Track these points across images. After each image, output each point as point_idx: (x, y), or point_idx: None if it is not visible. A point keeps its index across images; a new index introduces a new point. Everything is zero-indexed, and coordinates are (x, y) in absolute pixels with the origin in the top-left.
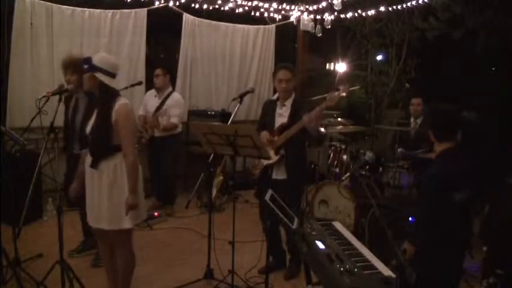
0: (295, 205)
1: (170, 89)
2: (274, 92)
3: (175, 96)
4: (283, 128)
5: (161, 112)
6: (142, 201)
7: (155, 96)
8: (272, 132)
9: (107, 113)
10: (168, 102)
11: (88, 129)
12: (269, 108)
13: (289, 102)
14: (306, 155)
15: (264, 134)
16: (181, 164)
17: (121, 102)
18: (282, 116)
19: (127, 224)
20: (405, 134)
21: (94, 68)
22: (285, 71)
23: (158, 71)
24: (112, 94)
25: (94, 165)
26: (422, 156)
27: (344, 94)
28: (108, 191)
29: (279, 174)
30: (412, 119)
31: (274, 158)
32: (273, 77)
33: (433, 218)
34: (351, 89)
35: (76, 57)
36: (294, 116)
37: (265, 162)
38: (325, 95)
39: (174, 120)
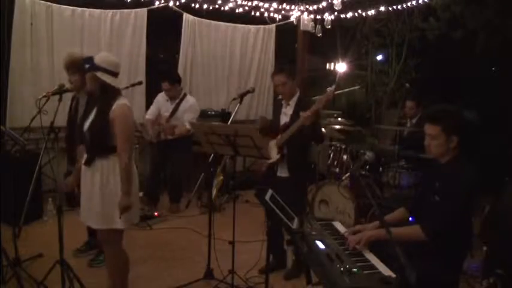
0: (298, 203)
1: (182, 92)
2: (275, 91)
3: (190, 100)
4: (286, 127)
5: (177, 120)
6: (137, 203)
7: (167, 100)
8: (278, 131)
9: (105, 111)
10: (182, 107)
11: (86, 126)
12: (277, 106)
13: (293, 102)
14: (308, 154)
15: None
16: (190, 164)
17: (120, 102)
18: (286, 115)
19: (119, 224)
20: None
21: (95, 68)
22: (277, 76)
23: (165, 85)
24: (113, 93)
25: (88, 162)
26: (423, 157)
27: (329, 97)
28: (101, 190)
29: (282, 172)
30: (408, 120)
31: (276, 156)
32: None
33: (458, 217)
34: (347, 89)
35: (77, 56)
36: (296, 116)
37: (269, 160)
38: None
39: (188, 125)
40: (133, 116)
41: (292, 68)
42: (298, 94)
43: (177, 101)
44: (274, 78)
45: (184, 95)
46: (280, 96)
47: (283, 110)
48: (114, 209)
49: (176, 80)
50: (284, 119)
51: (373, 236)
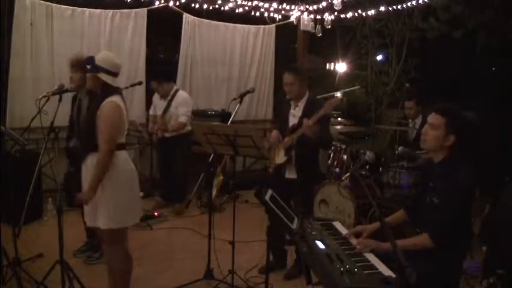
0: (305, 205)
1: (174, 89)
2: (275, 92)
3: (181, 95)
4: (293, 129)
5: (171, 115)
6: (135, 204)
7: (160, 99)
8: (286, 132)
9: (95, 109)
10: (174, 102)
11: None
12: (284, 106)
13: (302, 103)
14: (317, 156)
15: (274, 134)
16: (192, 163)
17: (110, 99)
18: (294, 116)
19: (102, 225)
20: (405, 134)
21: (97, 68)
22: (286, 75)
23: (153, 84)
24: (111, 92)
25: (83, 159)
26: (425, 157)
27: (339, 102)
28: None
29: (291, 174)
30: (410, 120)
31: (283, 158)
32: None
33: (459, 219)
34: (349, 89)
35: (83, 56)
36: (304, 118)
37: (277, 161)
38: (329, 94)
39: (182, 119)
40: (121, 113)
41: (301, 69)
42: (307, 96)
43: (169, 98)
44: (284, 75)
45: (176, 90)
46: (288, 96)
47: (292, 111)
48: (101, 208)
49: (163, 79)
50: (292, 120)
51: (380, 248)
